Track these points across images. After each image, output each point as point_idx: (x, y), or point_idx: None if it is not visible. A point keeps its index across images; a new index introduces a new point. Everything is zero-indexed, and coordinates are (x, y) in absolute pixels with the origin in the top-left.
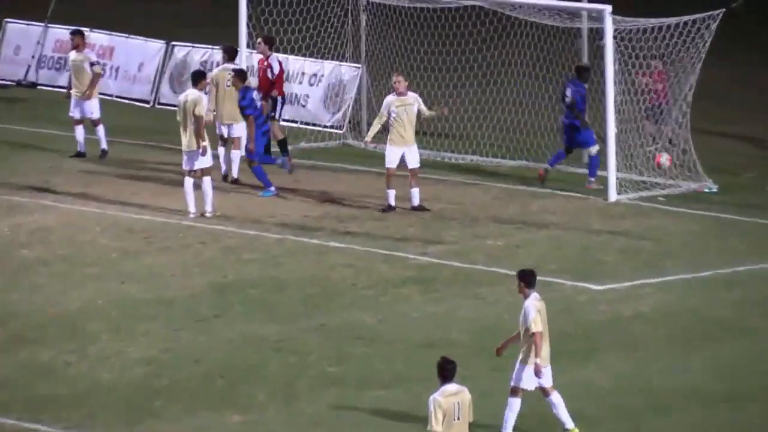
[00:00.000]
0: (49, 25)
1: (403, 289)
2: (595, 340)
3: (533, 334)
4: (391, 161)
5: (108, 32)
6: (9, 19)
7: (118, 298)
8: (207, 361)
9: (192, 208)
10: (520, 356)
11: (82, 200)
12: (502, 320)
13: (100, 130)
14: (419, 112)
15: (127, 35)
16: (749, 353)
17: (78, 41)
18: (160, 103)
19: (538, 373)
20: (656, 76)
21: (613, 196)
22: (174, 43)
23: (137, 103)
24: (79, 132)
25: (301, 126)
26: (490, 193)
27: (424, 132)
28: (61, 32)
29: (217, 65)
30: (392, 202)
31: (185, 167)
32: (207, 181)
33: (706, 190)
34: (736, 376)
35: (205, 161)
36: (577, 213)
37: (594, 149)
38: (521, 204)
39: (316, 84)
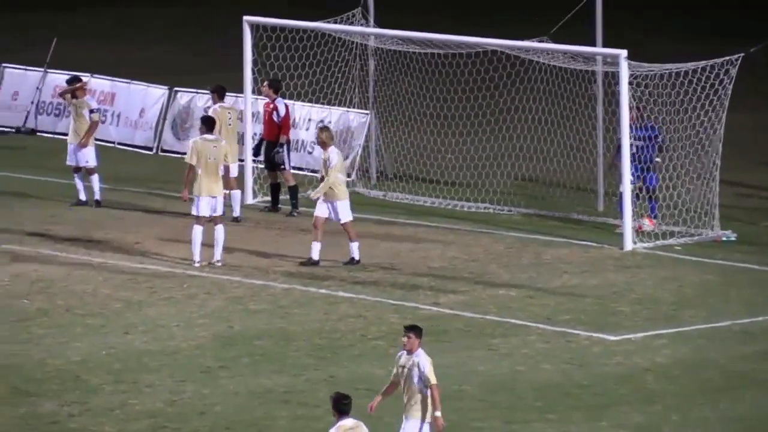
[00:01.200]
0: (48, 70)
1: None
2: (610, 392)
3: (431, 386)
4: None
5: (109, 78)
6: (7, 64)
7: (122, 349)
8: (212, 414)
9: (197, 257)
10: (412, 413)
11: (83, 249)
12: (516, 372)
13: (95, 179)
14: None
15: (128, 81)
16: None
17: (77, 89)
18: (162, 150)
19: (439, 427)
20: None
21: (629, 245)
22: (177, 88)
23: (139, 150)
24: (79, 180)
25: (308, 174)
26: (503, 242)
27: (437, 180)
28: (60, 77)
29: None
30: (315, 256)
31: (203, 214)
32: (220, 228)
33: (725, 239)
34: (754, 429)
35: (220, 208)
36: (592, 262)
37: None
38: (535, 253)
39: None
